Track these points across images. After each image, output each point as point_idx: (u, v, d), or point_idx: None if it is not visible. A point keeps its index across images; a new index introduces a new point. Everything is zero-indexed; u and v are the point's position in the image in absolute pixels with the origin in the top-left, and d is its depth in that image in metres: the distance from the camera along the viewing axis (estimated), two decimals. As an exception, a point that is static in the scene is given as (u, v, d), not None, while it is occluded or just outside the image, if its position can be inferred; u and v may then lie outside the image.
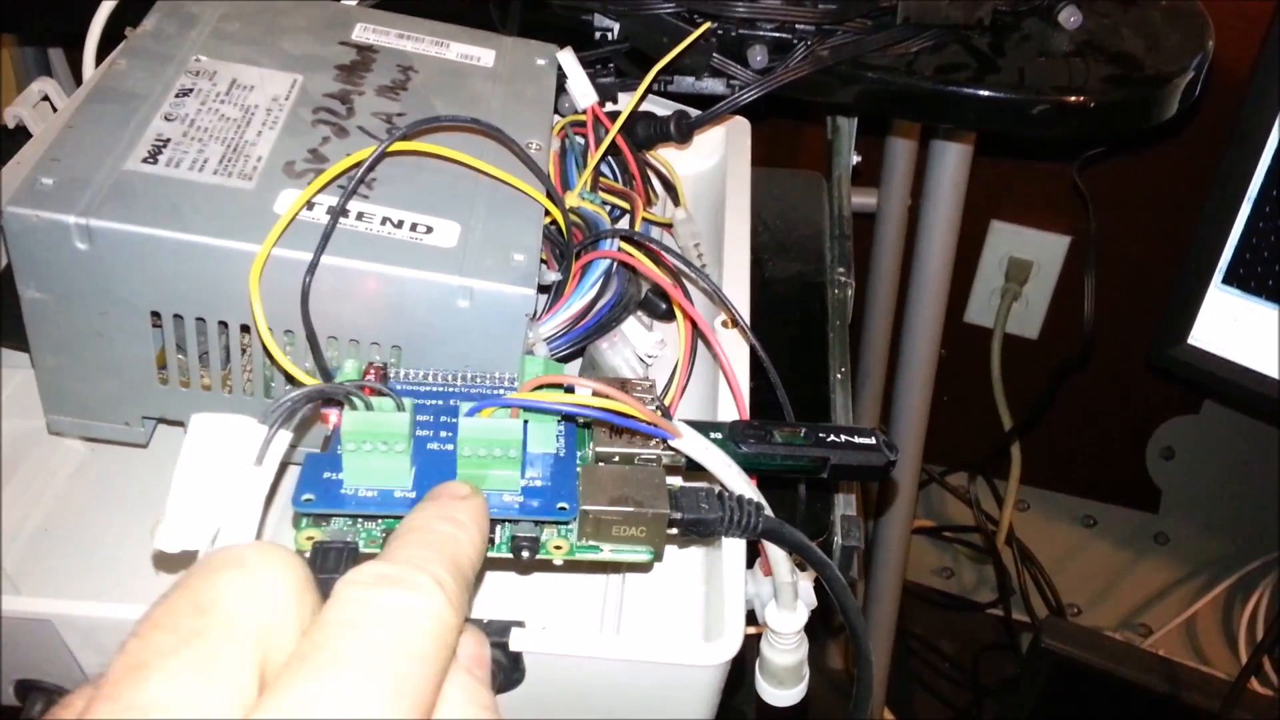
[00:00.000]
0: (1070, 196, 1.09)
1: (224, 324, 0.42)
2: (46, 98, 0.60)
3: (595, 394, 0.36)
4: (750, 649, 0.42)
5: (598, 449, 0.37)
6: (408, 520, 0.28)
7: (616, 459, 0.37)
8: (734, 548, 0.41)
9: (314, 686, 0.22)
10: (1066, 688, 1.02)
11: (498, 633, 0.36)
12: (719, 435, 0.39)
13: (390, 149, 0.42)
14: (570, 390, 0.37)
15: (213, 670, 0.22)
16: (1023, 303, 1.21)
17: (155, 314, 0.41)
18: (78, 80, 0.66)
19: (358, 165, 0.41)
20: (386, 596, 0.24)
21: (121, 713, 0.21)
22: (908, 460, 0.99)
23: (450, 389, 0.39)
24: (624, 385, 0.38)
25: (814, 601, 0.43)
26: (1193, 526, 1.28)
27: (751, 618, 0.44)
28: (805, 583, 0.43)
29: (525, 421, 0.36)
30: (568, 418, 0.38)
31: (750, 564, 0.42)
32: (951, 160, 0.80)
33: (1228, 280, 0.80)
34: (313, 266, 0.39)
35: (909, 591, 1.34)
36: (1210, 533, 1.27)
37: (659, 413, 0.38)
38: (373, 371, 0.39)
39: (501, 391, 0.40)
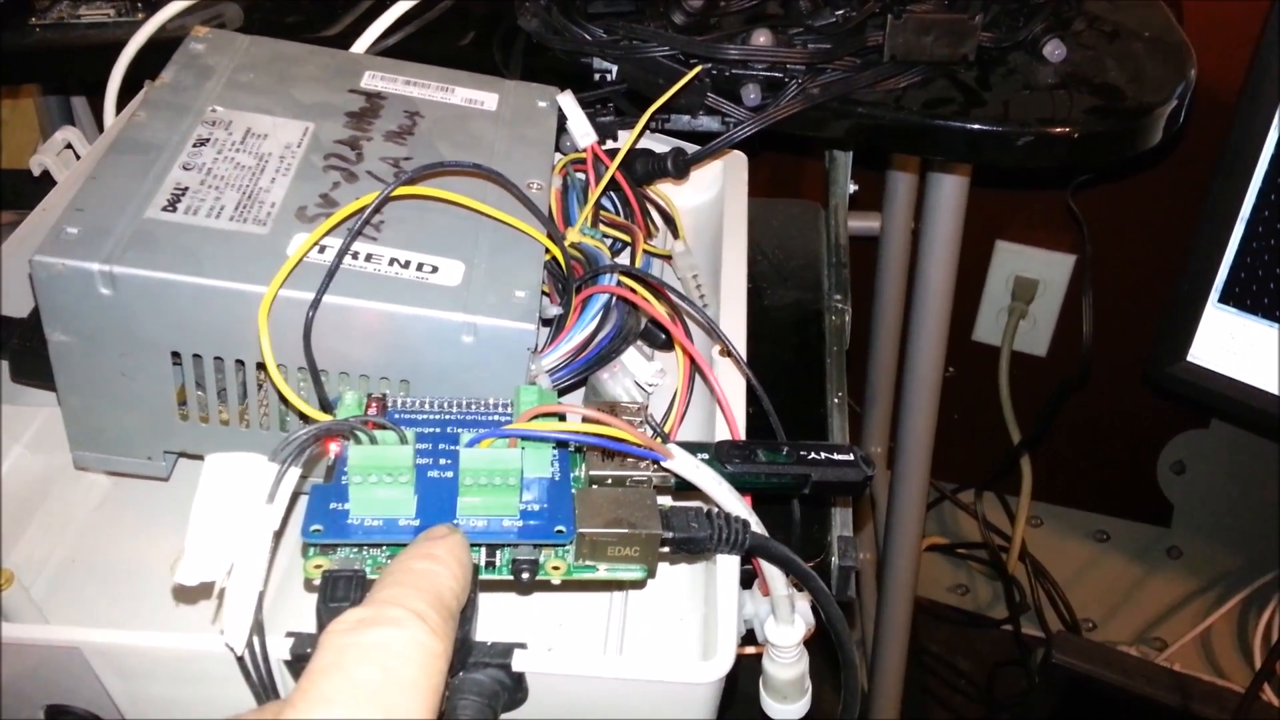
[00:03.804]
0: (1072, 216, 1.10)
1: (240, 362, 0.44)
2: (70, 146, 0.63)
3: (586, 419, 0.38)
4: (748, 664, 0.44)
5: (591, 472, 0.39)
6: (390, 566, 0.30)
7: (610, 481, 0.39)
8: (728, 569, 0.43)
9: None
10: (1079, 703, 1.02)
11: (501, 654, 0.38)
12: (706, 456, 0.41)
13: (395, 193, 0.44)
14: (564, 418, 0.39)
15: None
16: (1030, 321, 1.22)
17: (175, 354, 0.44)
18: (100, 127, 0.69)
19: (363, 209, 0.44)
20: (367, 635, 0.25)
21: None
22: (916, 478, 1.01)
23: (447, 417, 0.41)
24: (614, 409, 0.40)
25: (811, 620, 0.45)
26: (1205, 540, 1.29)
27: (753, 638, 0.45)
28: (803, 602, 0.44)
29: (523, 450, 0.38)
30: (563, 443, 0.40)
31: (748, 585, 0.44)
32: (949, 188, 0.81)
33: (1224, 299, 0.82)
34: (315, 303, 0.41)
35: (924, 609, 1.35)
36: (1223, 546, 1.28)
37: (652, 435, 0.39)
38: (373, 404, 0.41)
39: (498, 418, 0.42)
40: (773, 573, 0.42)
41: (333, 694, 0.24)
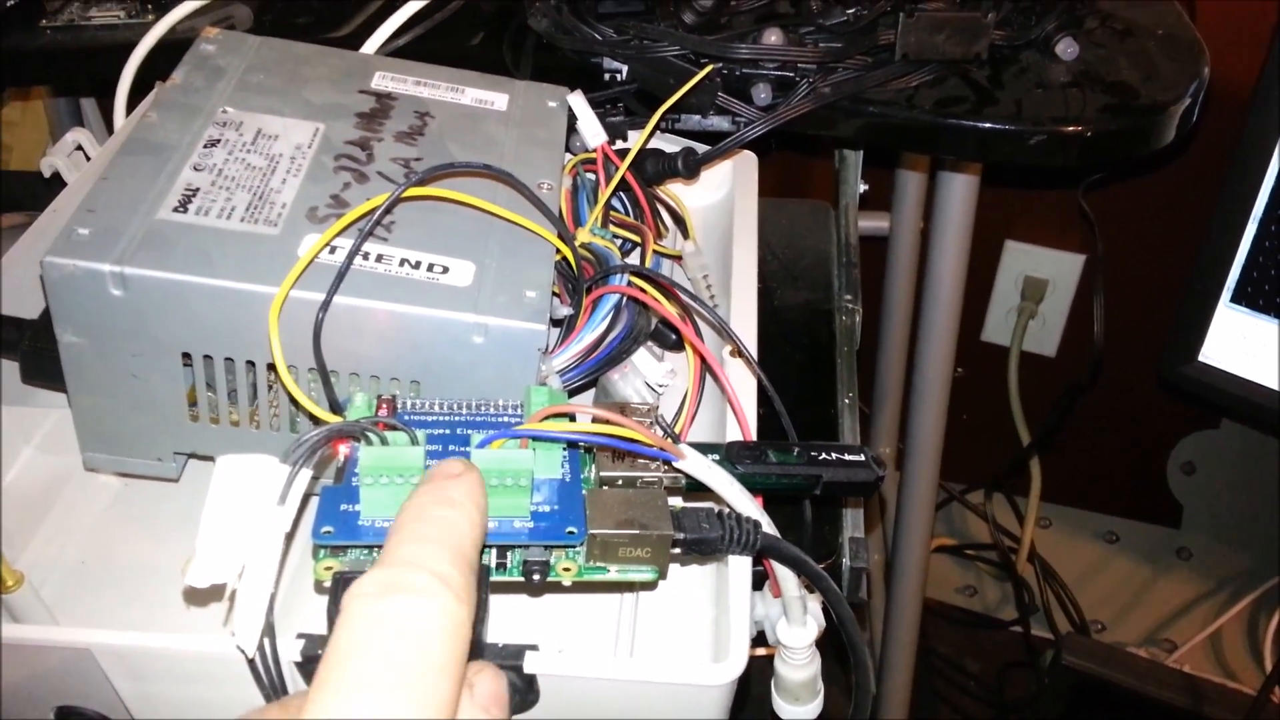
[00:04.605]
0: (1082, 216, 1.10)
1: (251, 363, 0.44)
2: (80, 147, 0.63)
3: (596, 420, 0.38)
4: (759, 666, 0.44)
5: (602, 473, 0.39)
6: (405, 508, 0.28)
7: (620, 482, 0.39)
8: (740, 570, 0.42)
9: (340, 711, 0.22)
10: (1088, 705, 1.02)
11: (512, 656, 0.38)
12: (716, 456, 0.41)
13: (405, 195, 0.44)
14: (574, 419, 0.39)
15: None
16: (1039, 321, 1.22)
17: (186, 355, 0.44)
18: (109, 129, 0.69)
19: (373, 211, 0.44)
20: (394, 606, 0.24)
21: None
22: (925, 479, 1.00)
23: (457, 419, 0.41)
24: (623, 409, 0.40)
25: (823, 621, 0.44)
26: (1215, 541, 1.28)
27: (764, 640, 0.45)
28: (815, 603, 0.44)
29: (534, 449, 0.38)
30: (573, 444, 0.40)
31: (759, 587, 0.44)
32: (958, 188, 0.81)
33: (1236, 299, 0.81)
34: (325, 305, 0.41)
35: (932, 610, 1.34)
36: (1233, 547, 1.27)
37: (663, 435, 0.39)
38: (383, 405, 0.41)
39: (508, 420, 0.41)
40: (784, 574, 0.42)
41: (367, 675, 0.23)
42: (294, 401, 0.40)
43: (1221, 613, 1.22)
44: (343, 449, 0.38)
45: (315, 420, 0.40)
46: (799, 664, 0.44)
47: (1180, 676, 0.99)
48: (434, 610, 0.24)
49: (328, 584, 0.36)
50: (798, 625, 0.43)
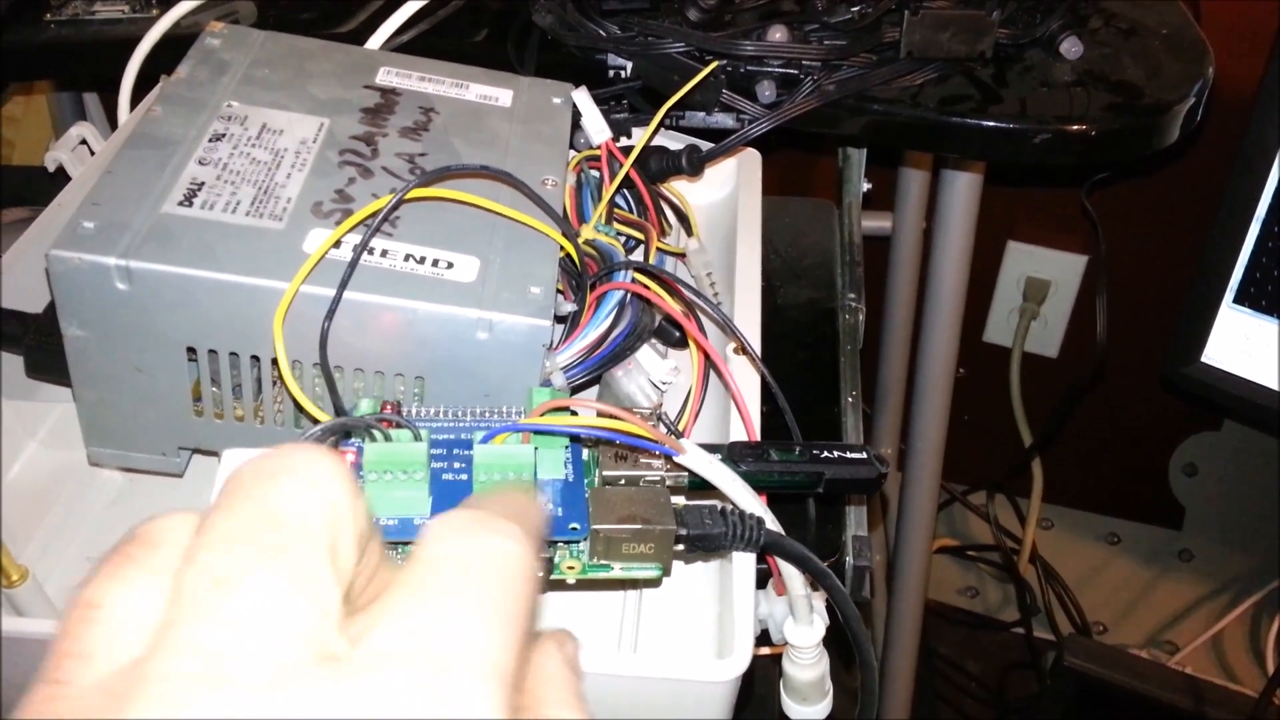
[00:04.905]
0: (1084, 217, 1.10)
1: (256, 358, 0.44)
2: (84, 141, 0.63)
3: (600, 414, 0.38)
4: (761, 666, 0.44)
5: (604, 473, 0.39)
6: (480, 492, 0.27)
7: (623, 481, 0.39)
8: (744, 567, 0.42)
9: (427, 613, 0.21)
10: (1090, 706, 1.02)
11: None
12: (719, 456, 0.41)
13: (406, 197, 0.44)
14: (576, 413, 0.39)
15: (306, 583, 0.20)
16: (1041, 322, 1.22)
17: (191, 349, 0.44)
18: (113, 124, 0.69)
19: (377, 213, 0.44)
20: (484, 538, 0.23)
21: (220, 629, 0.19)
22: (927, 479, 1.00)
23: (461, 423, 0.41)
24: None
25: (827, 619, 0.44)
26: (1217, 543, 1.28)
27: (768, 638, 0.45)
28: (819, 601, 0.44)
29: (536, 449, 0.38)
30: (575, 440, 0.40)
31: (763, 585, 0.44)
32: (962, 187, 0.81)
33: (1239, 299, 0.81)
34: (331, 312, 0.41)
35: (934, 611, 1.34)
36: (1235, 549, 1.27)
37: (666, 432, 0.39)
38: (388, 407, 0.41)
39: (513, 420, 0.41)
40: (790, 572, 0.42)
41: (458, 584, 0.21)
42: (294, 400, 0.40)
43: (1223, 614, 1.22)
44: (349, 456, 0.38)
45: (316, 423, 0.40)
46: (807, 663, 0.44)
47: (1182, 678, 0.99)
48: (519, 553, 0.23)
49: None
50: (805, 624, 0.43)
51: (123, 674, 0.20)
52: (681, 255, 0.59)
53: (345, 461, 0.23)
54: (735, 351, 0.51)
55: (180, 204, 0.44)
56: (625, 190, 0.58)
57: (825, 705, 0.46)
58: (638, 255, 0.56)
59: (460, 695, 0.20)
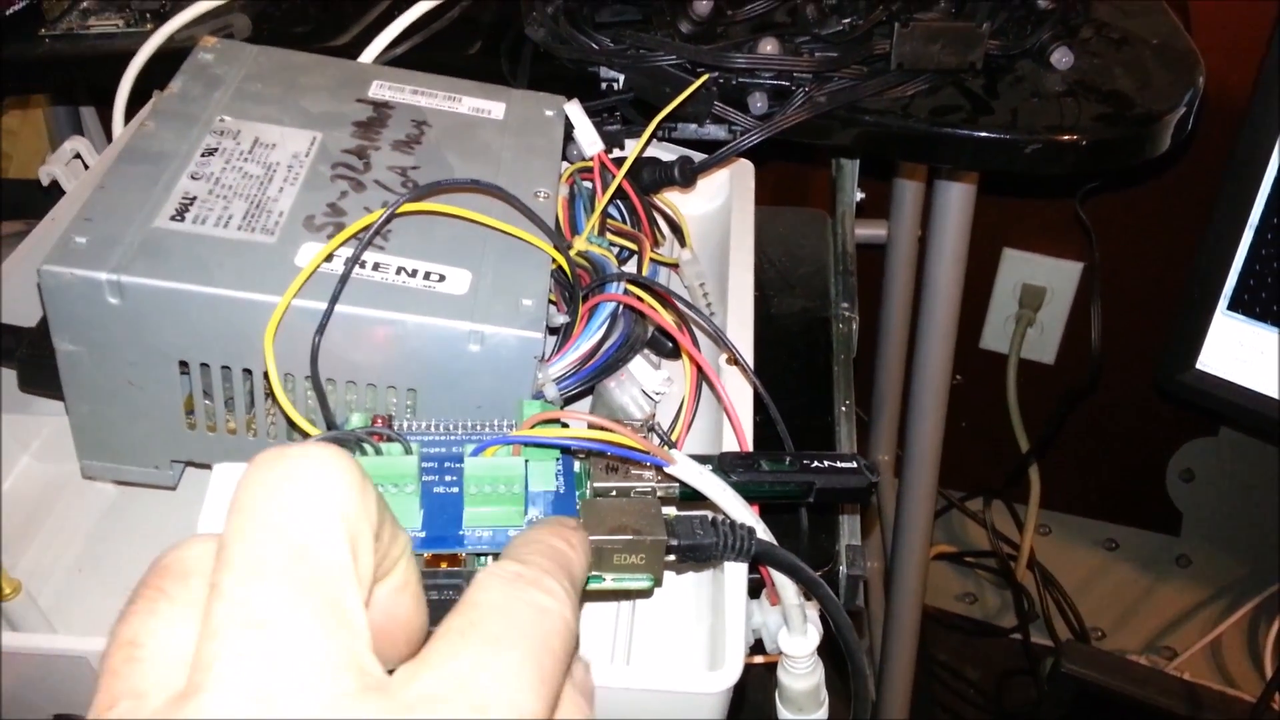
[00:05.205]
0: (1079, 224, 1.10)
1: (248, 371, 0.44)
2: (78, 155, 0.63)
3: (590, 426, 0.38)
4: (756, 674, 0.44)
5: (596, 485, 0.39)
6: (527, 534, 0.28)
7: (614, 493, 0.39)
8: (736, 577, 0.42)
9: (470, 659, 0.22)
10: (1088, 712, 1.02)
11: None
12: (709, 466, 0.41)
13: (398, 211, 0.44)
14: (566, 425, 0.39)
15: (338, 615, 0.21)
16: (1037, 328, 1.22)
17: (183, 363, 0.44)
18: (109, 138, 0.69)
19: (368, 228, 0.44)
20: (528, 593, 0.24)
21: (266, 668, 0.20)
22: (924, 486, 1.00)
23: (452, 436, 0.41)
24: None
25: (821, 628, 0.44)
26: (1215, 548, 1.28)
27: (761, 648, 0.45)
28: (813, 610, 0.44)
29: (526, 460, 0.38)
30: (566, 452, 0.40)
31: (757, 594, 0.44)
32: (956, 196, 0.81)
33: (1232, 307, 0.82)
34: (323, 325, 0.42)
35: (932, 617, 1.34)
36: (1233, 554, 1.27)
37: (658, 443, 0.39)
38: (379, 421, 0.41)
39: (504, 433, 0.42)
40: (783, 581, 0.42)
41: (502, 635, 0.23)
42: (284, 413, 0.40)
43: (1221, 620, 1.22)
44: None
45: (305, 433, 0.40)
46: (802, 673, 0.44)
47: (1180, 684, 0.99)
48: (559, 610, 0.24)
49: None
50: (799, 634, 0.43)
51: (175, 709, 0.20)
52: (674, 266, 0.59)
53: (344, 454, 0.24)
54: (728, 362, 0.52)
55: (173, 218, 0.44)
56: (618, 201, 0.59)
57: (821, 714, 0.46)
58: (630, 266, 0.56)
59: None
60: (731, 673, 0.39)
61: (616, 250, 0.55)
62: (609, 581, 0.39)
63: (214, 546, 0.23)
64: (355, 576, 0.22)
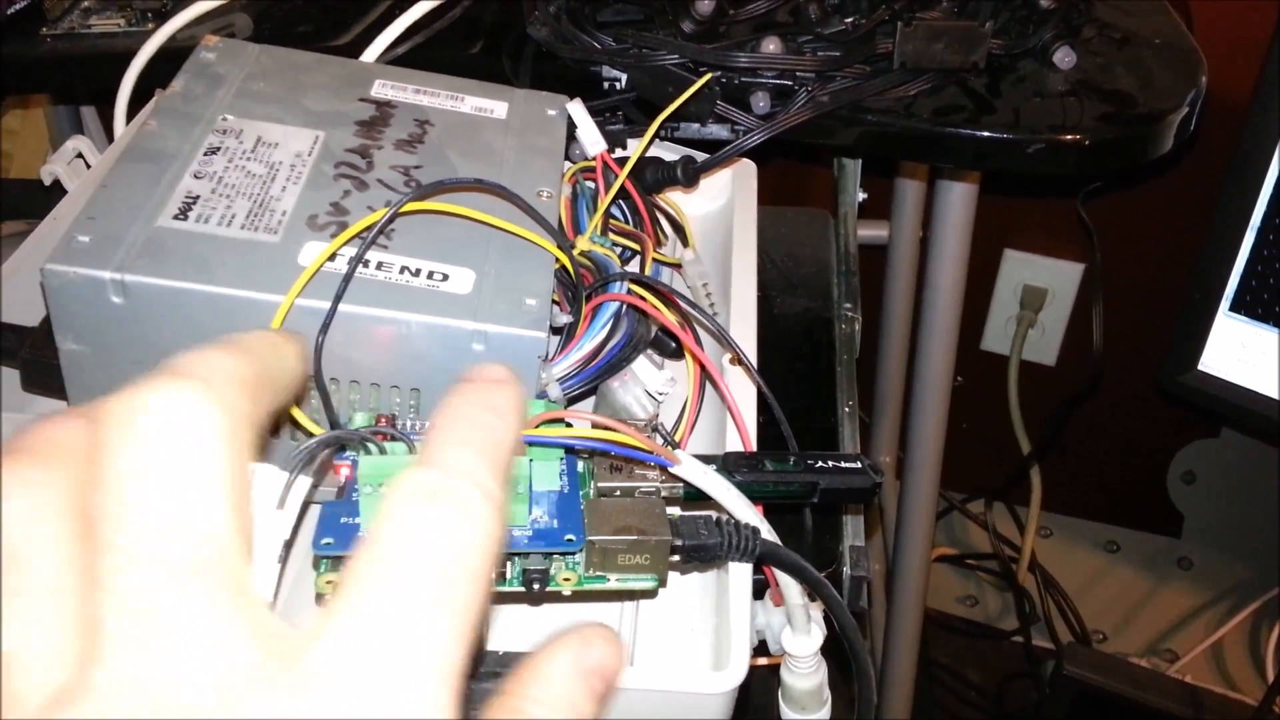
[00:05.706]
0: (1080, 225, 1.10)
1: (250, 371, 0.44)
2: (80, 155, 0.63)
3: (594, 425, 0.38)
4: (760, 675, 0.44)
5: (600, 484, 0.39)
6: (448, 407, 0.25)
7: (618, 493, 0.39)
8: (740, 579, 0.42)
9: (376, 610, 0.21)
10: (1090, 715, 1.02)
11: (513, 665, 0.38)
12: (713, 466, 0.41)
13: (401, 210, 0.44)
14: (570, 425, 0.39)
15: (229, 598, 0.20)
16: (1038, 330, 1.22)
17: (186, 363, 0.44)
18: (110, 137, 0.69)
19: (371, 227, 0.44)
20: (442, 513, 0.22)
21: (154, 659, 0.19)
22: (925, 488, 1.00)
23: None
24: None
25: (824, 629, 0.44)
26: (1216, 551, 1.28)
27: (765, 649, 0.45)
28: (817, 610, 0.44)
29: (530, 460, 0.38)
30: (570, 451, 0.40)
31: (760, 595, 0.44)
32: (957, 196, 0.81)
33: (1235, 307, 0.82)
34: (326, 325, 0.41)
35: (933, 620, 1.34)
36: (1234, 557, 1.27)
37: (661, 443, 0.39)
38: (383, 421, 0.41)
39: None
40: (787, 582, 0.42)
41: (407, 578, 0.21)
42: (293, 421, 0.40)
43: (1223, 622, 1.22)
44: (344, 470, 0.38)
45: (309, 432, 0.40)
46: (805, 672, 0.44)
47: (1182, 687, 0.99)
48: (478, 522, 0.22)
49: (328, 596, 0.36)
50: (802, 633, 0.43)
51: (59, 709, 0.19)
52: (677, 266, 0.59)
53: (202, 388, 0.22)
54: (731, 362, 0.51)
55: (175, 217, 0.44)
56: (621, 201, 0.58)
57: (824, 714, 0.46)
58: (633, 266, 0.56)
59: (411, 699, 0.20)
60: (736, 673, 0.39)
61: (619, 250, 0.55)
62: (613, 582, 0.38)
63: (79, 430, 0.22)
64: (240, 538, 0.21)
